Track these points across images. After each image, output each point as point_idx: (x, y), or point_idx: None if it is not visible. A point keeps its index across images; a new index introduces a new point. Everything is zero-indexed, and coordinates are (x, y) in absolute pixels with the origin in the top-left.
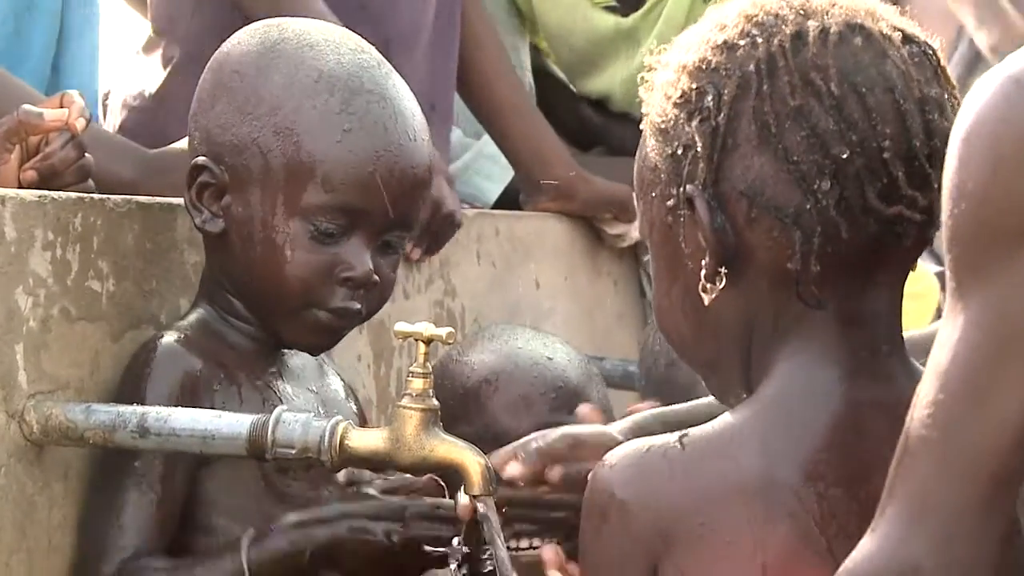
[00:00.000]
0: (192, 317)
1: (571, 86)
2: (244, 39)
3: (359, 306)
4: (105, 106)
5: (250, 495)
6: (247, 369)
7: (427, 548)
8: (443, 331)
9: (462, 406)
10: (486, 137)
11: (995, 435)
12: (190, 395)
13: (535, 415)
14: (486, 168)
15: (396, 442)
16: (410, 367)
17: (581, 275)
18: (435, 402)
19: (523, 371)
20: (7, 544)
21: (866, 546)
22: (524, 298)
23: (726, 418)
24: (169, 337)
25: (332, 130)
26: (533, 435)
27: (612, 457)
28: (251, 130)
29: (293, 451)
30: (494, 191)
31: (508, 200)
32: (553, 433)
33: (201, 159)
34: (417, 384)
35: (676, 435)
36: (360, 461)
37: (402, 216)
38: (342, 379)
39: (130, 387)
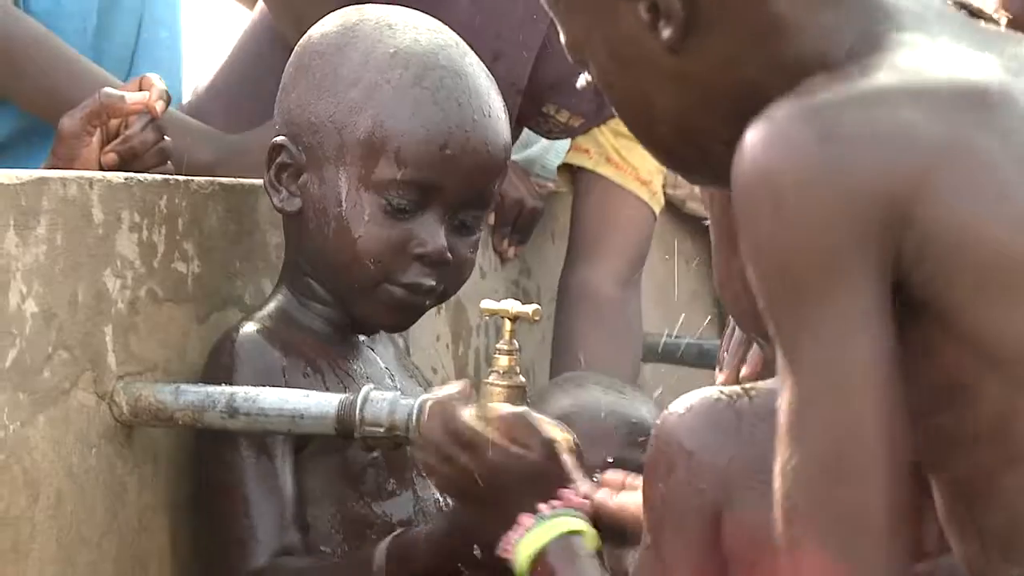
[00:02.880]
0: (271, 305)
1: None
2: (326, 22)
3: (432, 283)
4: None
5: (331, 485)
6: (328, 357)
7: None
8: (529, 308)
9: None
10: None
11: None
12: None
13: (609, 449)
14: (561, 148)
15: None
16: (497, 344)
17: (654, 254)
18: (522, 379)
19: (594, 409)
20: (98, 525)
21: None
22: None
23: None
24: (248, 328)
25: (405, 104)
26: None
27: (680, 405)
28: (327, 107)
29: (381, 429)
30: None
31: None
32: None
33: (280, 139)
34: (503, 361)
35: (746, 386)
36: None
37: (477, 194)
38: (416, 367)
39: (217, 381)
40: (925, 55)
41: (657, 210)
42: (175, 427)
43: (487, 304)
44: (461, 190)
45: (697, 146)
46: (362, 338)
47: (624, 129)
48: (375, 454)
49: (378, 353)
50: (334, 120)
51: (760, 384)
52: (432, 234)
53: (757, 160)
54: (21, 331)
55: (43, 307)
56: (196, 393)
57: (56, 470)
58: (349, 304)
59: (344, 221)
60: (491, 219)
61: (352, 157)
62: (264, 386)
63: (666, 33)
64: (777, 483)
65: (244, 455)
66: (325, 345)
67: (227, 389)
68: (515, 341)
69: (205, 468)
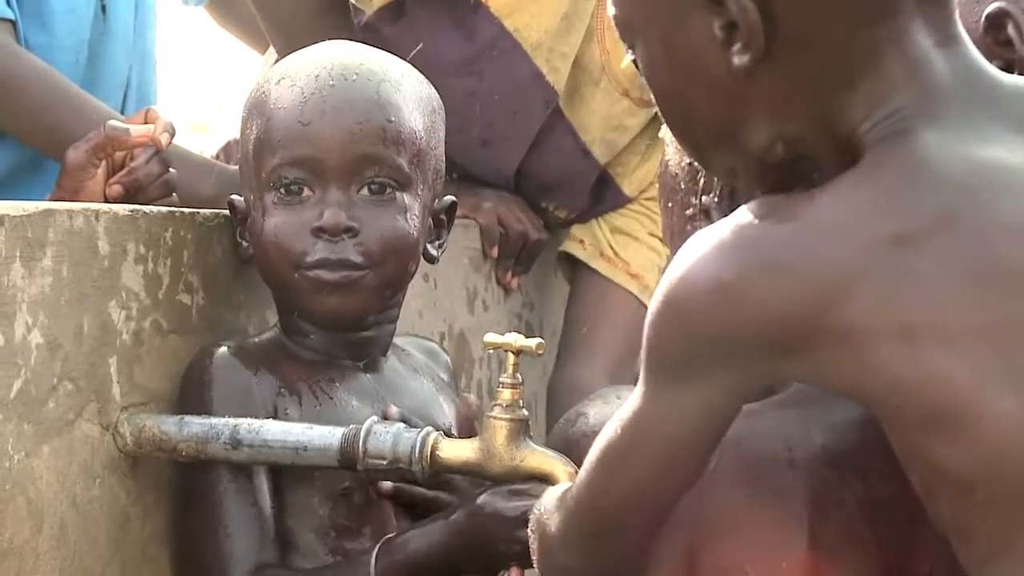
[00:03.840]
0: (265, 335)
1: None
2: None
3: (345, 256)
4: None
5: (314, 499)
6: (310, 382)
7: None
8: (532, 342)
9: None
10: None
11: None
12: (241, 408)
13: None
14: None
15: (487, 452)
16: (500, 377)
17: None
18: (524, 412)
19: None
20: (101, 555)
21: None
22: None
23: (770, 405)
24: (224, 348)
25: (273, 99)
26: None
27: None
28: (242, 142)
29: (384, 462)
30: None
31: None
32: None
33: (232, 196)
34: (506, 395)
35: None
36: (451, 471)
37: (364, 157)
38: (438, 390)
39: (192, 397)
40: (919, 167)
41: None
42: (179, 458)
43: (490, 337)
44: (340, 155)
45: (726, 150)
46: (359, 366)
47: (620, 224)
48: (346, 483)
49: (377, 381)
50: (243, 152)
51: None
52: (325, 207)
53: (680, 263)
54: (27, 362)
55: (48, 338)
56: (200, 425)
57: (60, 500)
58: (294, 308)
59: (257, 228)
60: (494, 252)
61: (252, 172)
62: (235, 404)
63: (738, 60)
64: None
65: (222, 471)
66: (312, 372)
67: (230, 421)
68: (518, 375)
69: (185, 485)
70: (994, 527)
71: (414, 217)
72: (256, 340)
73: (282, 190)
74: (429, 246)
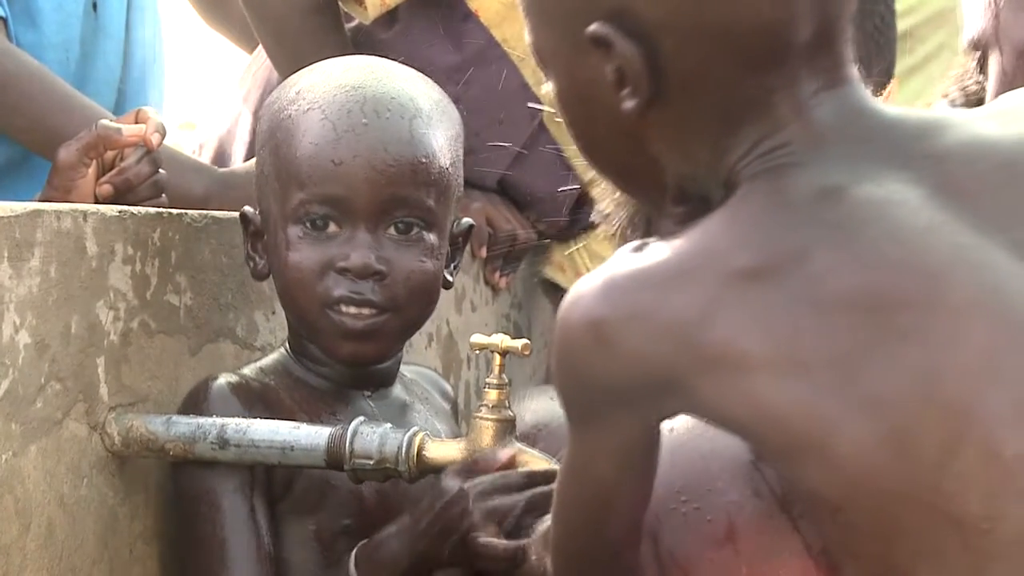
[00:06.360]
0: (269, 358)
1: None
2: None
3: (369, 296)
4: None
5: (300, 551)
6: (313, 413)
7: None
8: (519, 343)
9: None
10: None
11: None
12: None
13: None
14: None
15: (473, 453)
16: (486, 378)
17: None
18: (510, 413)
19: (555, 419)
20: (89, 554)
21: None
22: None
23: None
24: (221, 380)
25: (301, 129)
26: None
27: None
28: (260, 161)
29: (371, 462)
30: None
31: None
32: None
33: (245, 208)
34: (492, 395)
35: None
36: (437, 471)
37: (394, 198)
38: (438, 420)
39: None
40: (780, 203)
41: None
42: (166, 458)
43: (477, 338)
44: (372, 197)
45: (637, 182)
46: (365, 395)
47: (599, 249)
48: (347, 521)
49: (381, 409)
50: (264, 172)
51: (680, 419)
52: (353, 247)
53: (563, 310)
54: (14, 362)
55: (36, 338)
56: (187, 424)
57: (48, 500)
58: (317, 342)
59: (279, 259)
60: (483, 252)
61: (276, 197)
62: None
63: (627, 104)
64: None
65: (223, 508)
66: (316, 405)
67: (218, 420)
68: (504, 375)
69: (183, 520)
70: (870, 549)
71: (438, 256)
72: (260, 366)
73: (307, 224)
74: (444, 271)
